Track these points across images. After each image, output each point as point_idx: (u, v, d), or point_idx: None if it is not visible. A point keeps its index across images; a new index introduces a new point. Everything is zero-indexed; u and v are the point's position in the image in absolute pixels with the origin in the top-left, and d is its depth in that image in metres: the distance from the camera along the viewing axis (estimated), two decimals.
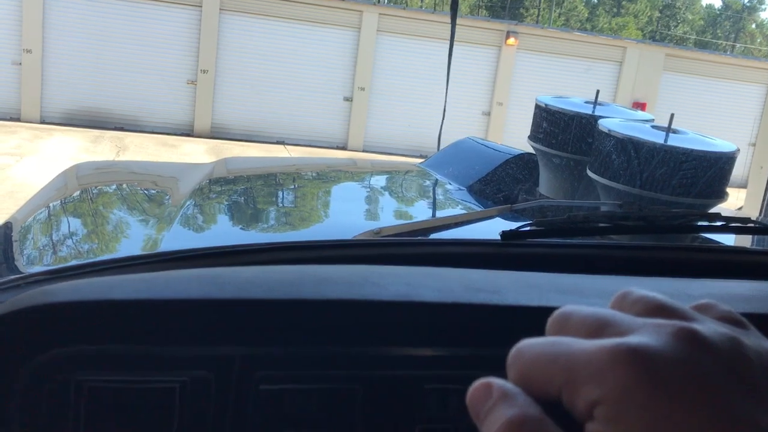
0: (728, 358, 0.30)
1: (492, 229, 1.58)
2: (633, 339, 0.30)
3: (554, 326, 0.34)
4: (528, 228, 1.29)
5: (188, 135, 14.56)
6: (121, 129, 14.08)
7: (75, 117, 14.07)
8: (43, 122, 13.86)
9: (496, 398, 0.31)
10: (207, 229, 1.80)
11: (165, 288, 0.80)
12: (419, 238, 1.31)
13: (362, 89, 15.41)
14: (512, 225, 1.33)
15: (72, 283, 0.80)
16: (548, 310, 0.34)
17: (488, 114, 15.95)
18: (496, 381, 0.32)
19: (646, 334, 0.31)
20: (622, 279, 1.07)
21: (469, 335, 0.88)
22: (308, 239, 1.37)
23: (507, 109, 15.77)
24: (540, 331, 0.35)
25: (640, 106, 14.49)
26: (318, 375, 0.85)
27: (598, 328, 0.32)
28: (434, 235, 1.36)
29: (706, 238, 1.59)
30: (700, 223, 1.42)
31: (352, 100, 15.45)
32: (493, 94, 15.85)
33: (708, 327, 0.32)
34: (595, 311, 0.33)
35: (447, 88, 2.68)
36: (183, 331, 0.79)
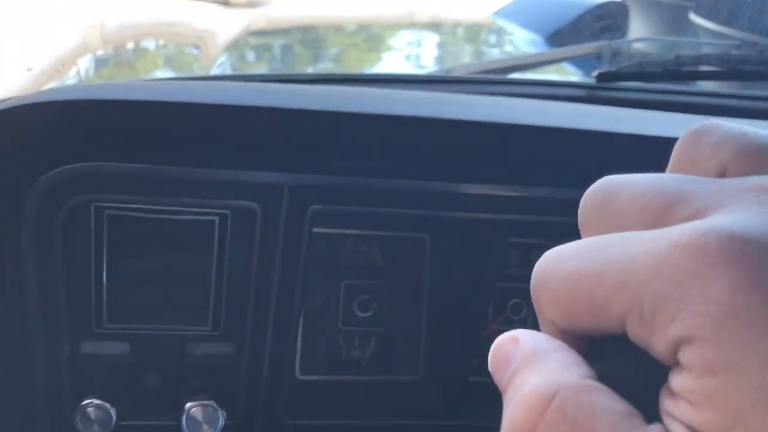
0: None
1: (583, 71, 1.47)
2: (723, 220, 0.19)
3: (594, 209, 0.23)
4: (629, 69, 1.18)
5: None
6: None
7: None
8: None
9: (520, 360, 0.22)
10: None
11: (197, 93, 0.70)
12: (498, 76, 1.20)
13: None
14: (607, 67, 1.22)
15: (86, 86, 0.70)
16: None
17: None
18: (524, 334, 0.22)
19: (740, 210, 0.19)
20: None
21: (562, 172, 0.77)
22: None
23: None
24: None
25: None
26: (381, 214, 0.77)
27: (663, 209, 0.21)
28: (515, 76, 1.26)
29: None
30: None
31: None
32: None
33: None
34: (653, 181, 0.22)
35: None
36: (221, 147, 0.70)
